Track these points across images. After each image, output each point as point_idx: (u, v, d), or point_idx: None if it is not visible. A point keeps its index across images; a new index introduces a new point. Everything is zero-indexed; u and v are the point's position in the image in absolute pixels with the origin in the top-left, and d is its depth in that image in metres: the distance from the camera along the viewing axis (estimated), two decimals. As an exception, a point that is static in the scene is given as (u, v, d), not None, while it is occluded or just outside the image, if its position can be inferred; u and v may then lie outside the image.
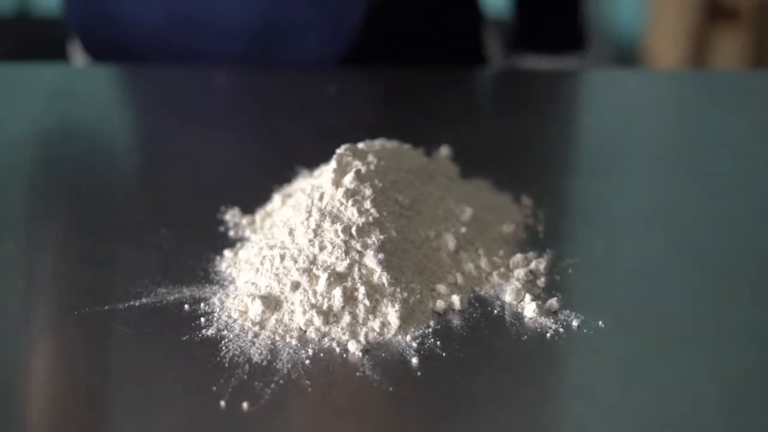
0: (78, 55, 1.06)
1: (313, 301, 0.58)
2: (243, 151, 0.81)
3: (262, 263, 0.61)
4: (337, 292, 0.58)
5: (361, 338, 0.57)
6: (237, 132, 0.85)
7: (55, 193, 0.76)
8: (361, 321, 0.58)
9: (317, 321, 0.58)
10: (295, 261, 0.60)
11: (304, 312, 0.58)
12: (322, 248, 0.60)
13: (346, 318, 0.58)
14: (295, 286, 0.59)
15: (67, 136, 0.85)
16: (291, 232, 0.62)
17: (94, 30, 0.98)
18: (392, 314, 0.58)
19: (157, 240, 0.68)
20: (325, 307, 0.58)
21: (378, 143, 0.70)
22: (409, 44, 0.99)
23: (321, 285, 0.58)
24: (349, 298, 0.58)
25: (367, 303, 0.58)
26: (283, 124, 0.86)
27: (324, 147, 0.69)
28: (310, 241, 0.60)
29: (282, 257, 0.61)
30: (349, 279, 0.59)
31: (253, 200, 0.71)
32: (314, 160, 0.72)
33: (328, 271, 0.59)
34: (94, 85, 0.96)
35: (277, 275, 0.60)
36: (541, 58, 1.11)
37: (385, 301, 0.58)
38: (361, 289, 0.58)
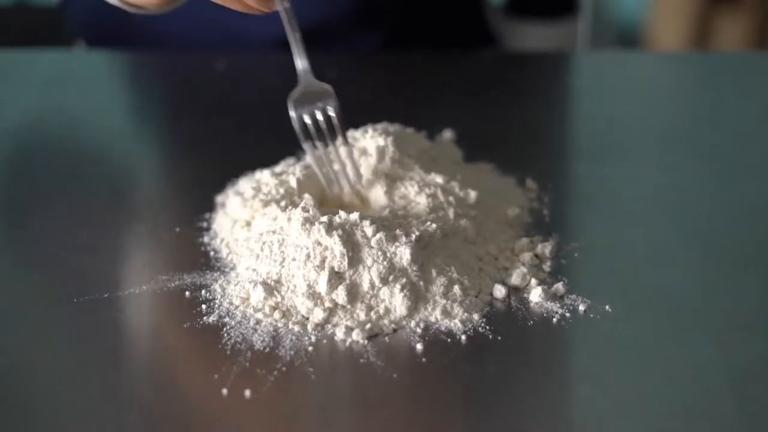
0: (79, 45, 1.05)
1: (315, 287, 0.57)
2: (243, 137, 0.80)
3: (262, 249, 0.60)
4: (341, 278, 0.57)
5: (366, 324, 0.57)
6: (237, 118, 0.84)
7: (53, 180, 0.75)
8: (365, 307, 0.57)
9: (320, 307, 0.57)
10: (296, 246, 0.59)
11: (308, 294, 0.57)
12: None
13: (350, 304, 0.57)
14: (297, 271, 0.58)
15: (65, 123, 0.84)
16: (291, 218, 0.61)
17: (102, 31, 0.97)
18: (397, 300, 0.57)
19: (156, 227, 0.67)
20: (327, 292, 0.57)
21: (381, 127, 0.69)
22: (417, 29, 0.98)
23: (324, 270, 0.57)
24: (353, 283, 0.57)
25: (372, 288, 0.57)
26: (283, 110, 0.85)
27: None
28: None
29: (281, 242, 0.60)
30: (353, 264, 0.58)
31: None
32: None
33: (331, 256, 0.58)
34: (91, 71, 0.95)
35: (276, 261, 0.59)
36: (534, 25, 1.11)
37: (389, 286, 0.57)
38: (365, 275, 0.57)
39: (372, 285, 0.57)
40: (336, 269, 0.57)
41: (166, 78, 0.93)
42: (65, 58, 0.98)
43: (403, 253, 0.58)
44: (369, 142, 0.66)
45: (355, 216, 0.59)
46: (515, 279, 0.60)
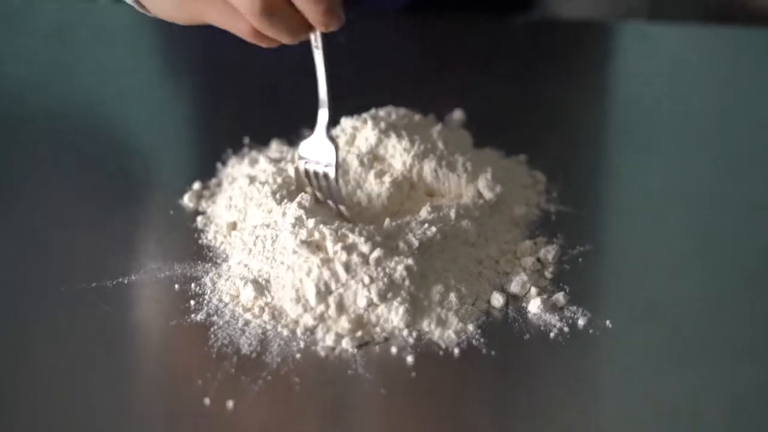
0: None
1: (305, 295, 0.55)
2: (246, 109, 0.77)
3: (255, 244, 0.58)
4: (330, 290, 0.55)
5: (356, 333, 0.54)
6: (242, 84, 0.81)
7: (50, 150, 0.73)
8: (357, 314, 0.55)
9: (310, 311, 0.55)
10: (288, 250, 0.56)
11: (298, 300, 0.55)
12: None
13: (341, 311, 0.55)
14: (287, 276, 0.56)
15: (68, 81, 0.81)
16: (285, 213, 0.58)
17: None
18: (392, 310, 0.55)
19: (151, 208, 0.66)
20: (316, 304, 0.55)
21: (384, 112, 0.66)
22: None
23: (315, 279, 0.55)
24: (344, 294, 0.55)
25: (364, 300, 0.55)
26: (289, 76, 0.82)
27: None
28: (307, 223, 0.57)
29: (274, 239, 0.57)
30: (347, 271, 0.55)
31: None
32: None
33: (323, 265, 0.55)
34: (96, 23, 0.91)
35: (268, 258, 0.57)
36: None
37: (387, 303, 0.55)
38: (359, 282, 0.55)
39: (365, 297, 0.55)
40: (326, 279, 0.55)
41: (171, 38, 0.89)
42: (71, 9, 0.94)
43: (400, 266, 0.55)
44: (397, 159, 0.64)
45: (349, 226, 0.57)
46: (515, 287, 0.58)
